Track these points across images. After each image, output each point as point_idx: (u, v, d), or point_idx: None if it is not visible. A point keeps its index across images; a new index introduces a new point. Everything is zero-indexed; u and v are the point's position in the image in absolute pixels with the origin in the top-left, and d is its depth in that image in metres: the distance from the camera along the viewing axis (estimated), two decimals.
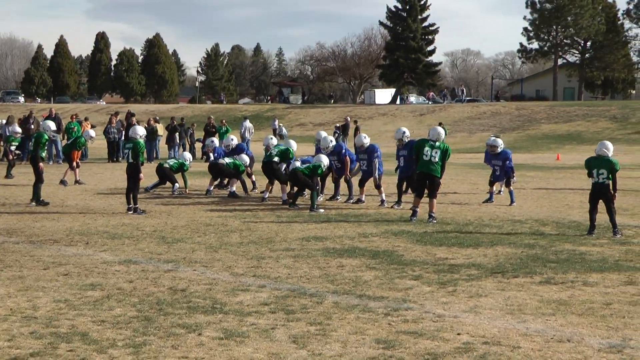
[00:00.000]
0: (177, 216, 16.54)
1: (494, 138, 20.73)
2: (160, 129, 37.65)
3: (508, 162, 19.66)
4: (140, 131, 17.46)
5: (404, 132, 18.85)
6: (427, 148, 15.95)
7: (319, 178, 19.25)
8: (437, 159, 15.90)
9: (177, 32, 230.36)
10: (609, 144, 14.72)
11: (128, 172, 17.04)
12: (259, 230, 14.63)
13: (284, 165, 19.70)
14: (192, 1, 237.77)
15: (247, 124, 42.22)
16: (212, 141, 24.41)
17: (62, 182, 22.94)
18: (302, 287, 9.63)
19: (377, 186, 18.90)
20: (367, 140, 19.30)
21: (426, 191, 16.09)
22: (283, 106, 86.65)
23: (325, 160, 18.65)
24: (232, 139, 22.70)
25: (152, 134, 35.27)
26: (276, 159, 19.56)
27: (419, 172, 16.11)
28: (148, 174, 23.69)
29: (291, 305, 8.67)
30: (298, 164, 19.17)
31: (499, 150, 19.87)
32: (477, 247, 12.84)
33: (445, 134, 42.87)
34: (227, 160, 21.05)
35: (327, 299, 8.99)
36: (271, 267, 10.89)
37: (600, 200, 14.48)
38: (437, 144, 16.02)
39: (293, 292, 9.31)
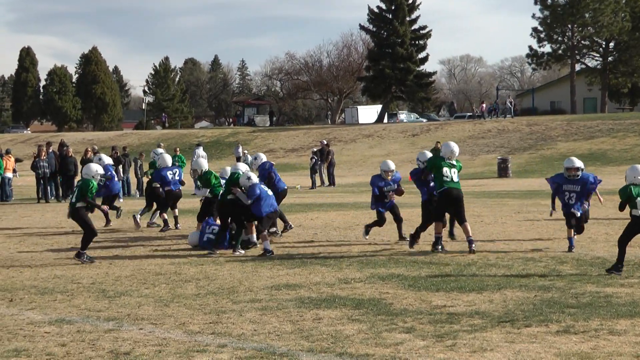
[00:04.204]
0: (121, 265, 16.50)
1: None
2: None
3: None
4: (94, 169, 17.36)
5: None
6: (445, 168, 17.20)
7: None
8: (457, 179, 17.32)
9: (118, 45, 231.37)
10: None
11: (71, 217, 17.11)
12: (219, 278, 14.62)
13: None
14: (135, 8, 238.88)
15: (200, 151, 42.29)
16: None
17: None
18: (270, 345, 9.62)
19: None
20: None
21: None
22: (248, 129, 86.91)
23: (243, 167, 19.20)
24: None
25: None
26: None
27: (443, 190, 17.23)
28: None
29: None
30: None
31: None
32: (482, 291, 12.88)
33: None
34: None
35: (301, 359, 8.98)
36: (233, 323, 10.87)
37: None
38: (454, 161, 17.41)
39: (260, 352, 9.29)
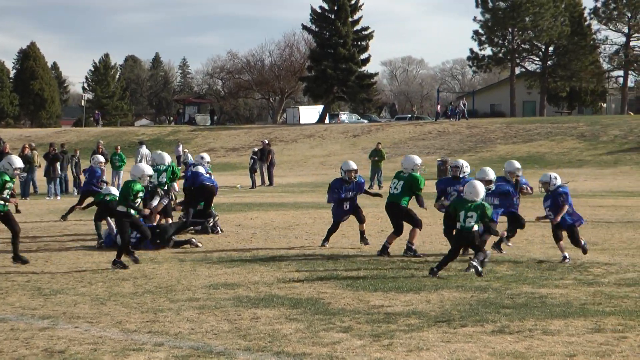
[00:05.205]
0: (57, 262, 16.36)
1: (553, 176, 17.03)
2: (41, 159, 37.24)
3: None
4: (142, 170, 16.56)
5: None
6: (394, 180, 17.60)
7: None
8: (399, 190, 17.22)
9: (58, 41, 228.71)
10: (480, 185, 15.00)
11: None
12: (157, 277, 14.57)
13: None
14: (75, 4, 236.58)
15: (144, 150, 42.05)
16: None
17: None
18: (207, 344, 9.62)
19: None
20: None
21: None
22: (188, 128, 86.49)
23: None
24: None
25: (27, 164, 34.84)
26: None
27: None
28: (26, 213, 23.39)
29: None
30: None
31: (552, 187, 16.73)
32: (419, 291, 12.98)
33: (383, 158, 43.26)
34: None
35: (238, 358, 9.01)
36: (171, 322, 10.85)
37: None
38: (405, 174, 17.38)
39: (196, 351, 9.29)
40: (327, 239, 18.83)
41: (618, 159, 55.66)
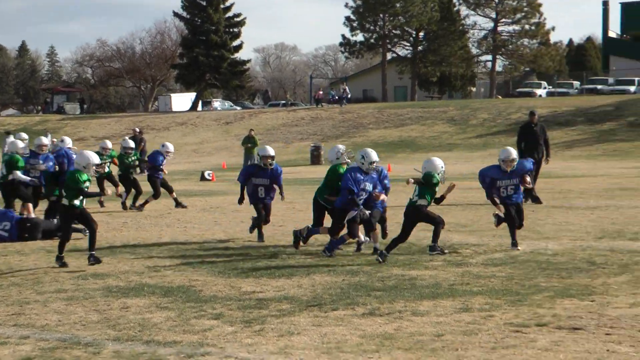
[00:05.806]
0: None
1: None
2: None
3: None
4: (87, 158, 14.78)
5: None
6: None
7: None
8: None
9: None
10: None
11: None
12: (24, 269, 14.33)
13: None
14: None
15: (12, 140, 41.11)
16: None
17: None
18: (75, 335, 9.51)
19: None
20: None
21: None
22: (57, 117, 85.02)
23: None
24: None
25: None
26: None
27: None
28: None
29: (61, 358, 8.56)
30: None
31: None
32: (291, 277, 13.05)
33: (256, 145, 43.27)
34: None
35: (107, 348, 8.92)
36: (37, 314, 10.68)
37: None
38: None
39: (64, 343, 9.17)
40: (254, 226, 17.51)
41: (487, 142, 56.84)
